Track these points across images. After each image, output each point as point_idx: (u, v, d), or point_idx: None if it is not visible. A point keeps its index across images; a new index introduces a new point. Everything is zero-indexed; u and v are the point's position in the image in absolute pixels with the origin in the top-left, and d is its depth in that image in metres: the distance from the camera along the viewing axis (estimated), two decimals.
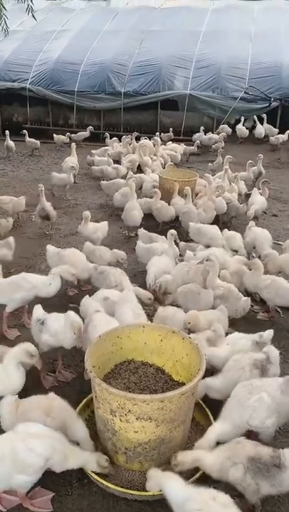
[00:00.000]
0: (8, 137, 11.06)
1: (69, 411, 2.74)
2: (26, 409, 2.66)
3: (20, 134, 11.86)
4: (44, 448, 2.38)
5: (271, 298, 4.32)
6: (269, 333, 3.32)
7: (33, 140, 11.77)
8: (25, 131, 11.89)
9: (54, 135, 12.78)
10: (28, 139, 11.72)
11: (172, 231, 5.11)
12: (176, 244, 5.32)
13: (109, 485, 2.51)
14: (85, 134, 12.68)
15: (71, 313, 3.35)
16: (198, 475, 2.53)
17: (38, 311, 3.55)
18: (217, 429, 2.68)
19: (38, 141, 11.92)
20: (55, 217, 6.61)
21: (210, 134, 12.59)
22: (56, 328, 3.31)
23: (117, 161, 9.61)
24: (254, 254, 5.49)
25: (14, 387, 2.86)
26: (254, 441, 2.56)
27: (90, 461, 2.54)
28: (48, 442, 2.41)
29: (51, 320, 3.39)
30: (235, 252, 5.27)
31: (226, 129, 13.11)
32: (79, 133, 12.84)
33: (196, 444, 2.65)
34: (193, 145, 11.41)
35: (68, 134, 12.59)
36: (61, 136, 12.56)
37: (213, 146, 11.95)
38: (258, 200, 6.83)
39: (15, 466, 2.34)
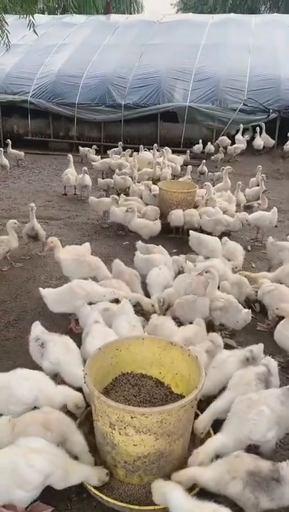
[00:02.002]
0: (2, 155, 10.42)
1: (67, 423, 2.70)
2: (23, 427, 2.61)
3: (20, 145, 11.90)
4: (45, 464, 2.35)
5: (273, 305, 4.29)
6: (259, 347, 3.32)
7: (16, 151, 11.66)
8: (8, 140, 11.64)
9: (80, 148, 12.28)
10: (11, 150, 11.45)
11: (178, 258, 5.23)
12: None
13: (108, 499, 2.49)
14: (117, 148, 12.13)
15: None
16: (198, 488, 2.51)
17: (37, 328, 3.47)
18: (218, 441, 2.66)
19: (21, 153, 11.79)
20: (44, 237, 6.03)
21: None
22: (57, 357, 3.22)
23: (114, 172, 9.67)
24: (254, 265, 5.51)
25: None
26: (253, 454, 2.55)
27: (91, 475, 2.51)
28: (49, 458, 2.37)
29: (52, 345, 3.28)
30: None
31: (225, 140, 13.23)
32: (113, 149, 12.19)
33: (194, 451, 2.63)
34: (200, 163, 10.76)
35: (95, 146, 12.22)
36: (87, 149, 12.04)
37: (213, 157, 12.04)
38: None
39: (14, 481, 2.30)
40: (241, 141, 13.06)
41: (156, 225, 6.51)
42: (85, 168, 8.93)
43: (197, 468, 2.50)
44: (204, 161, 10.94)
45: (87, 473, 2.51)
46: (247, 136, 13.20)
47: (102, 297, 4.06)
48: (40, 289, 4.20)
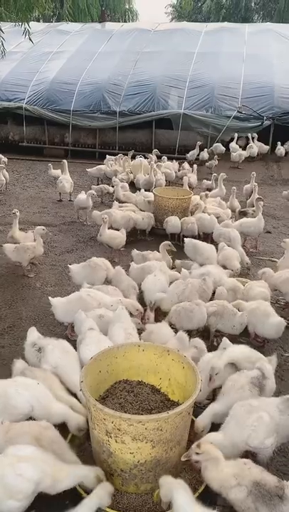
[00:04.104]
0: (4, 169, 9.94)
1: (60, 444, 2.63)
2: (16, 433, 2.57)
3: (15, 152, 11.86)
4: (34, 472, 2.31)
5: None
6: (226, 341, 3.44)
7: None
8: None
9: (107, 156, 11.66)
10: None
11: (166, 242, 5.39)
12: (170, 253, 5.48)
13: (105, 508, 2.47)
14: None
15: None
16: (197, 494, 2.50)
17: (33, 334, 3.46)
18: (218, 437, 2.66)
19: (5, 159, 11.30)
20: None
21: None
22: (57, 360, 3.21)
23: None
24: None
25: None
26: (260, 466, 2.53)
27: (88, 476, 2.44)
28: (38, 466, 2.34)
29: (50, 349, 3.27)
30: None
31: (219, 147, 13.32)
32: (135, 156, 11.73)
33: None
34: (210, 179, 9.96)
35: (121, 154, 11.51)
36: (112, 158, 11.40)
37: (207, 164, 12.11)
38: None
39: (4, 492, 2.26)
40: (240, 149, 13.14)
41: (124, 234, 6.33)
42: (92, 191, 8.04)
43: (221, 455, 2.47)
44: (214, 174, 9.86)
45: (82, 474, 2.44)
46: (250, 145, 13.24)
47: (110, 307, 3.98)
48: (50, 298, 4.14)
